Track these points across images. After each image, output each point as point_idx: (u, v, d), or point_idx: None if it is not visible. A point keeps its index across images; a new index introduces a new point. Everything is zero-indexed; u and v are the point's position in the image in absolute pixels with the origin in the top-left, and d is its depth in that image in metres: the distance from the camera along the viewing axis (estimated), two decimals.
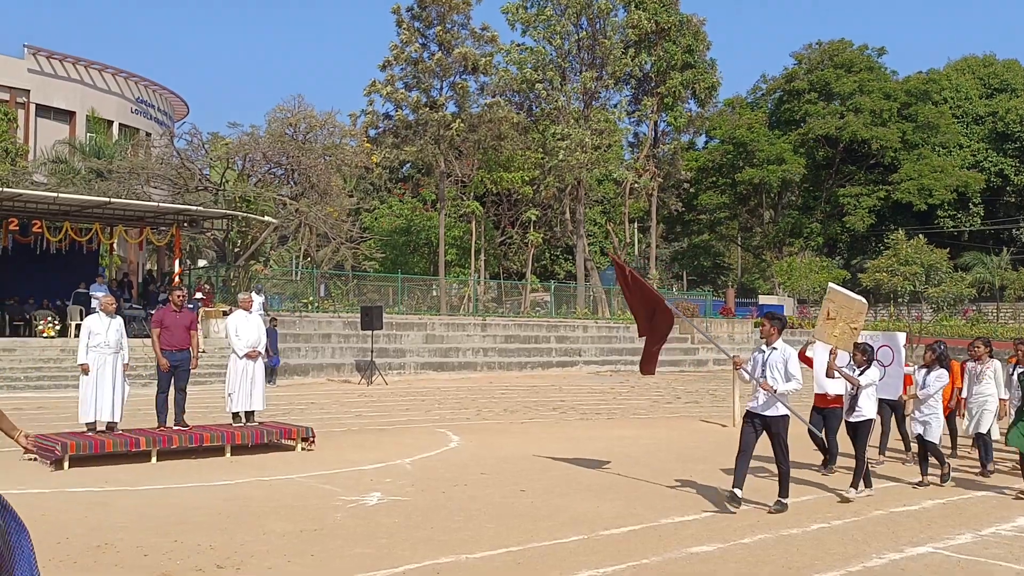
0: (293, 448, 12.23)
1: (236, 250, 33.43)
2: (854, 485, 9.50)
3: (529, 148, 41.45)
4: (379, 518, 8.27)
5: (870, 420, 9.61)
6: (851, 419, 9.64)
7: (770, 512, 8.54)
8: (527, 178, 42.20)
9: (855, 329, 9.90)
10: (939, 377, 10.33)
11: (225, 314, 21.80)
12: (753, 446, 8.81)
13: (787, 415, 8.71)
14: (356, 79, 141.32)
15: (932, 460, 10.54)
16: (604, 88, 41.37)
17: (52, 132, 39.35)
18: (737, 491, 8.70)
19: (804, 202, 59.79)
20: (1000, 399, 11.01)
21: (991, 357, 11.38)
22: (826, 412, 10.80)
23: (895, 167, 55.38)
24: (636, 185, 43.78)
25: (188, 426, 12.02)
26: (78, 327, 18.85)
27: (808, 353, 10.95)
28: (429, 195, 46.65)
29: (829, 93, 56.94)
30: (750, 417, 8.90)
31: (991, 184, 56.30)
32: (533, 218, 42.60)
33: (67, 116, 41.38)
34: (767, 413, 8.74)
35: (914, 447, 11.17)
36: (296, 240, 38.95)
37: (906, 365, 11.65)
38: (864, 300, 10.19)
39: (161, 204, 26.62)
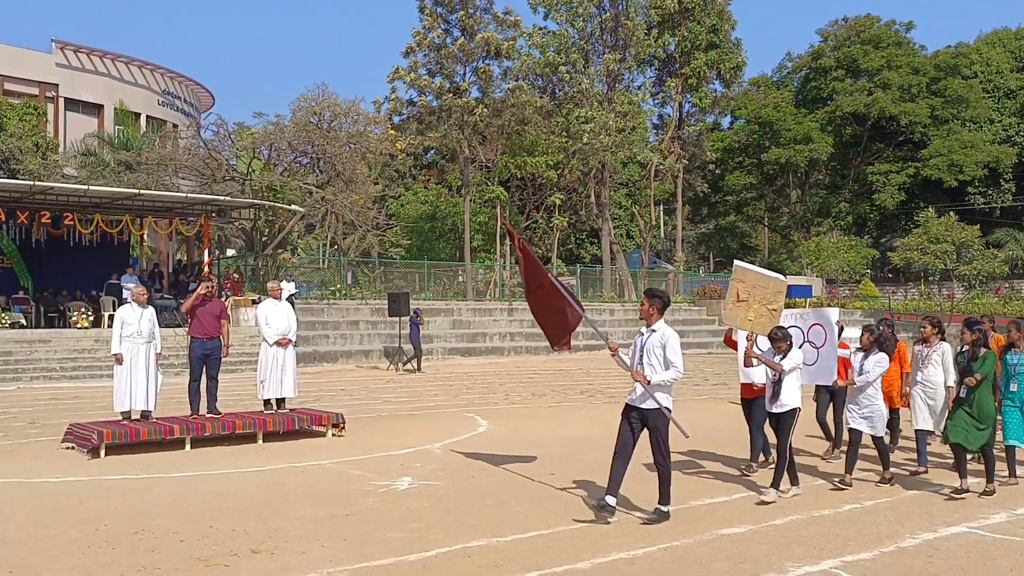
0: (324, 434, 12.34)
1: (264, 239, 33.66)
2: (775, 484, 8.43)
3: (553, 132, 41.31)
4: (410, 502, 8.34)
5: (794, 410, 8.51)
6: (773, 409, 8.60)
7: (644, 523, 7.48)
8: (551, 162, 42.09)
9: (774, 310, 8.90)
10: (879, 362, 9.12)
11: (254, 303, 22.02)
12: (632, 446, 7.68)
13: (668, 408, 7.59)
14: (379, 66, 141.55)
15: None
16: (628, 70, 41.07)
17: (81, 125, 39.77)
18: (610, 499, 7.51)
19: (832, 181, 59.11)
20: (947, 386, 9.61)
21: (942, 340, 10.10)
22: (753, 403, 9.68)
23: (924, 143, 54.55)
24: (661, 167, 43.53)
25: (220, 414, 12.16)
26: (111, 318, 19.14)
27: (734, 337, 9.88)
28: (454, 181, 46.68)
29: (856, 70, 56.12)
30: (627, 412, 7.76)
31: (1023, 159, 55.33)
32: (558, 202, 42.51)
33: (95, 109, 41.78)
34: (644, 406, 7.59)
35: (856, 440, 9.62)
36: (323, 228, 39.12)
37: (844, 347, 10.32)
38: (782, 277, 9.30)
39: (189, 195, 26.86)
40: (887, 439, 10.06)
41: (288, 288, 21.82)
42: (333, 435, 12.33)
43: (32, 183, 23.64)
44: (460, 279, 36.71)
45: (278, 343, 12.52)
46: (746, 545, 6.91)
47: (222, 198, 27.31)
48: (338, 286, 31.07)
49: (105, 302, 23.90)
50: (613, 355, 7.95)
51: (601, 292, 38.26)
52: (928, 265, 44.27)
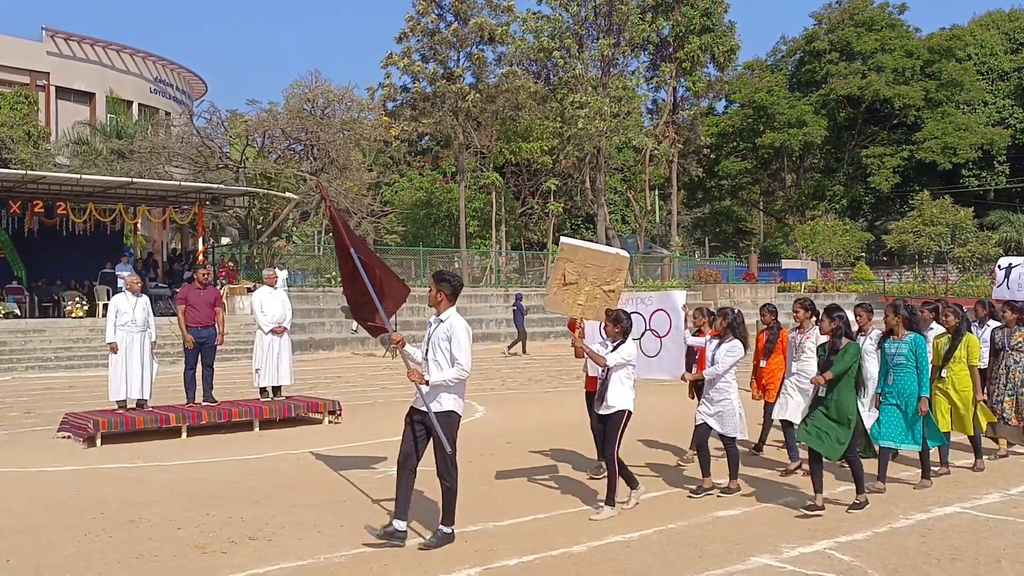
0: (320, 422, 12.36)
1: (258, 227, 33.59)
2: (609, 501, 7.26)
3: (547, 117, 41.23)
4: None
5: (622, 412, 7.29)
6: (600, 411, 7.40)
7: (421, 548, 6.38)
8: (546, 148, 42.02)
9: (611, 292, 7.90)
10: (731, 350, 7.91)
11: (250, 291, 21.99)
12: (417, 457, 6.55)
13: (452, 412, 6.51)
14: (373, 52, 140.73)
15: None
16: (622, 55, 40.96)
17: (72, 114, 39.58)
18: (399, 524, 6.46)
19: (826, 164, 59.13)
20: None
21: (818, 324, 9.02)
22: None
23: (918, 126, 54.56)
24: (656, 152, 43.47)
25: (216, 402, 12.16)
26: (105, 307, 19.10)
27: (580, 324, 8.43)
28: (449, 167, 46.58)
29: (850, 53, 56.07)
30: (411, 415, 6.62)
31: (1017, 141, 55.35)
32: (553, 188, 42.46)
33: (87, 97, 41.58)
34: (424, 406, 6.51)
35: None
36: (318, 216, 39.07)
37: (702, 335, 9.08)
38: (624, 253, 8.23)
39: (183, 183, 26.79)
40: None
41: (281, 276, 21.71)
42: (330, 422, 12.34)
43: (24, 172, 23.57)
44: (456, 265, 36.66)
45: (273, 331, 12.51)
46: (741, 527, 6.95)
47: (216, 186, 27.24)
48: (334, 274, 31.03)
49: (99, 291, 23.87)
50: (399, 349, 6.77)
51: None
52: (923, 248, 44.39)
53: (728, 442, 8.04)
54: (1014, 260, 13.47)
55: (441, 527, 6.52)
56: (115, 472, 9.19)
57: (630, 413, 7.36)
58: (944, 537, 6.72)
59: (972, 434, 9.05)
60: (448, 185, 45.70)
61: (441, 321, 6.62)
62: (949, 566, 6.06)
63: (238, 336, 21.83)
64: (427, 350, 6.60)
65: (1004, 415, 9.52)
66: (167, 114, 44.36)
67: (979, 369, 9.90)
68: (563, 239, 8.31)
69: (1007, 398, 9.55)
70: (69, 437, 11.03)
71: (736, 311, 8.16)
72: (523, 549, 6.37)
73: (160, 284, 25.73)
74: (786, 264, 47.75)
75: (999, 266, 13.84)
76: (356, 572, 5.98)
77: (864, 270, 47.55)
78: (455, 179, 42.36)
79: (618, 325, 7.38)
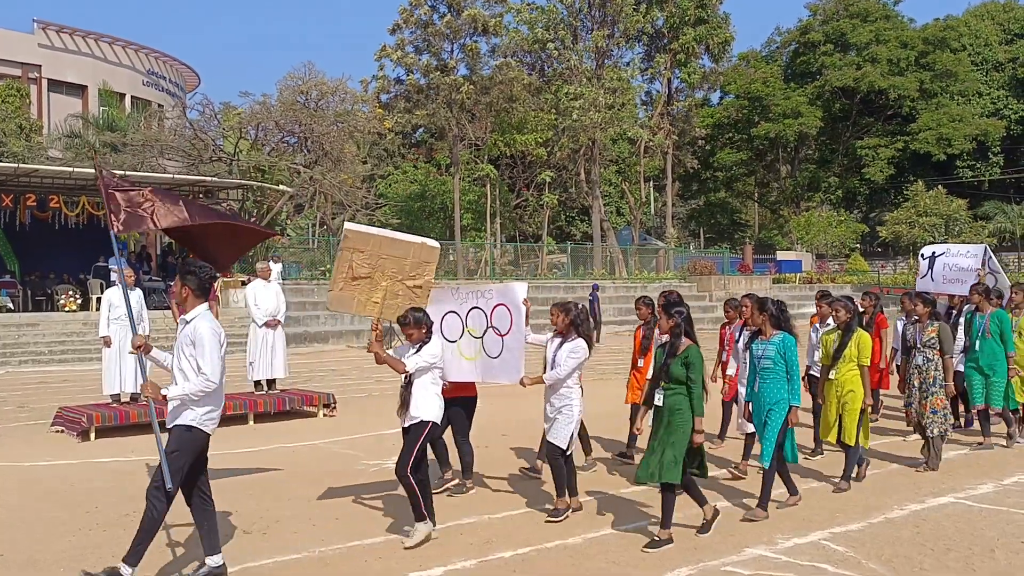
0: (315, 415, 12.35)
1: (252, 220, 33.49)
2: (418, 518, 6.36)
3: (542, 109, 41.17)
4: None
5: (423, 424, 6.44)
6: (404, 423, 6.53)
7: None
8: (541, 140, 41.96)
9: (416, 288, 7.03)
10: (574, 351, 7.13)
11: (244, 284, 21.94)
12: (193, 475, 5.67)
13: (192, 427, 5.51)
14: (366, 44, 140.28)
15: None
16: (616, 46, 40.91)
17: (65, 106, 39.37)
18: (211, 559, 5.57)
19: (821, 156, 59.14)
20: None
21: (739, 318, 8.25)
22: (449, 405, 7.43)
23: (913, 117, 54.60)
24: (651, 144, 43.42)
25: None
26: (99, 300, 19.03)
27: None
28: (443, 159, 46.51)
29: (845, 44, 56.03)
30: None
31: (1011, 132, 55.42)
32: (548, 180, 42.41)
33: (79, 90, 41.35)
34: (170, 423, 5.56)
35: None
36: (312, 208, 38.98)
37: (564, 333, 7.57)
38: (432, 243, 7.29)
39: (176, 176, 26.69)
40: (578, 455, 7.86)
41: (275, 269, 21.65)
42: (324, 415, 12.34)
43: (16, 166, 23.45)
44: (451, 258, 36.61)
45: (267, 324, 12.48)
46: (736, 519, 6.95)
47: (209, 179, 27.18)
48: (328, 266, 30.96)
49: (93, 285, 23.78)
50: (143, 355, 5.94)
51: (592, 269, 38.25)
52: (917, 239, 44.42)
53: (551, 452, 7.04)
54: (938, 248, 12.61)
55: (207, 558, 5.56)
56: (109, 466, 9.17)
57: (434, 424, 6.53)
58: (938, 527, 6.74)
59: (852, 444, 7.84)
60: (442, 177, 45.61)
61: (186, 322, 5.57)
62: (943, 556, 6.08)
63: (232, 329, 21.76)
64: (174, 357, 5.64)
65: (922, 420, 8.70)
66: (160, 107, 44.13)
67: (896, 365, 9.65)
68: (347, 225, 7.22)
69: (921, 401, 8.74)
70: (63, 431, 11.01)
71: (580, 306, 7.28)
72: (518, 541, 6.37)
73: (154, 277, 25.67)
74: (781, 255, 47.80)
75: (923, 255, 12.88)
76: (351, 565, 5.98)
77: (859, 261, 47.60)
78: (449, 171, 42.28)
79: (420, 327, 6.50)
